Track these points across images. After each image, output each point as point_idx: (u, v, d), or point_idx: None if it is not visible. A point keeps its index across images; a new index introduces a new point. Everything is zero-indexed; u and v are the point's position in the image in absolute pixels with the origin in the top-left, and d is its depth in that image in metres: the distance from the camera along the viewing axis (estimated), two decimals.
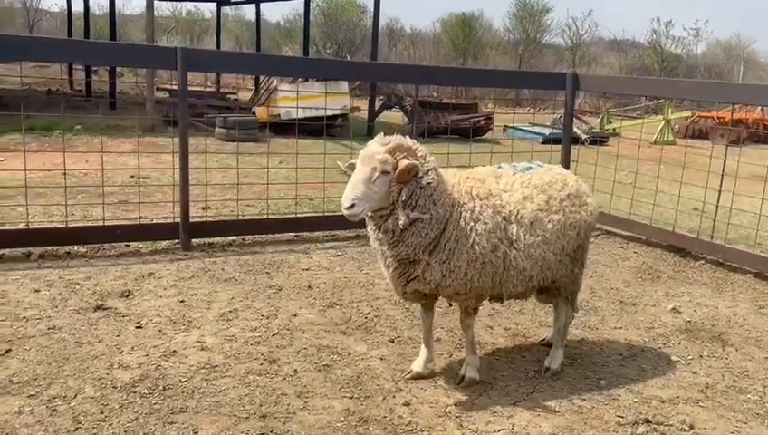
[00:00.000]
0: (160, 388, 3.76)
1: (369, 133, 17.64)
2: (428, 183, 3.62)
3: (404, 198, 3.56)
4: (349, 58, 27.64)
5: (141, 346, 4.27)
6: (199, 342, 4.39)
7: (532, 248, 3.91)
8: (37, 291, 5.07)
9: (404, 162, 3.56)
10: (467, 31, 42.13)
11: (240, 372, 4.03)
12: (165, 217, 6.69)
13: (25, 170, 6.15)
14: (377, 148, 3.60)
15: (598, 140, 17.42)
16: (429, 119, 18.43)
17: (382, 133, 3.75)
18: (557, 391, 4.07)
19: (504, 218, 3.89)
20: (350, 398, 3.81)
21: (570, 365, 4.41)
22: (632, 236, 7.78)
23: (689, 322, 5.33)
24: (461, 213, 3.75)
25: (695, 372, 4.44)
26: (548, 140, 16.93)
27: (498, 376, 4.21)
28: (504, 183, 4.05)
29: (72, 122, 13.36)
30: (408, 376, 4.09)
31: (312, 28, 31.37)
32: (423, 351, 4.16)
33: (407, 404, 3.78)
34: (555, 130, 16.65)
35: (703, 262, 6.97)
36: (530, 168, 4.23)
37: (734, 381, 4.36)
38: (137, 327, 4.55)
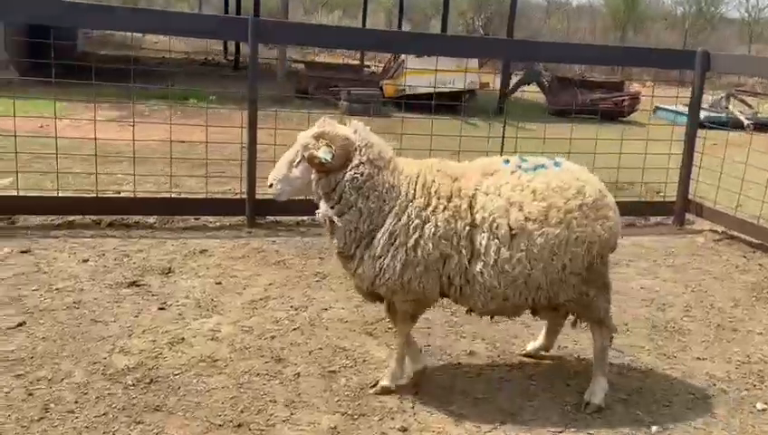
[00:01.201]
0: (147, 380, 3.55)
1: (501, 111, 16.88)
2: (355, 176, 3.30)
3: (320, 189, 3.35)
4: (481, 32, 26.44)
5: (153, 330, 4.10)
6: (213, 330, 4.16)
7: (507, 264, 3.32)
8: (85, 261, 5.07)
9: (310, 152, 3.27)
10: (630, 2, 39.22)
11: (239, 369, 3.73)
12: (235, 193, 6.56)
13: (134, 140, 6.13)
14: (308, 131, 3.37)
15: (765, 125, 15.53)
16: (566, 96, 17.29)
17: (324, 117, 3.46)
18: (592, 433, 3.41)
19: (471, 225, 3.34)
20: (343, 414, 3.40)
21: (620, 401, 3.71)
22: (762, 244, 6.64)
23: None
24: (406, 209, 3.32)
25: None
26: (702, 125, 15.23)
27: (526, 405, 3.61)
28: (489, 183, 3.42)
29: (205, 93, 13.69)
30: (372, 390, 3.62)
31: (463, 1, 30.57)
32: (393, 362, 3.67)
33: (403, 430, 3.31)
34: (712, 114, 14.91)
35: None
36: (542, 166, 3.52)
37: None
38: (159, 308, 4.40)
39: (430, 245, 3.30)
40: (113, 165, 7.34)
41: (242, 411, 3.36)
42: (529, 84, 18.90)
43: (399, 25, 25.69)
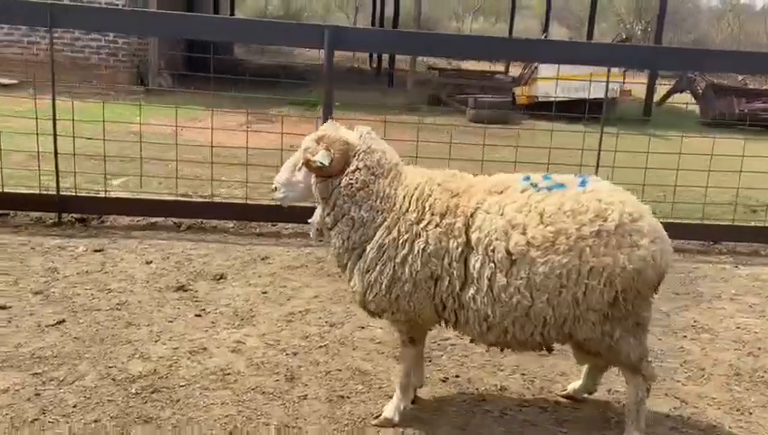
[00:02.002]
0: (151, 389, 3.51)
1: (648, 117, 15.74)
2: (350, 183, 3.12)
3: (317, 194, 3.21)
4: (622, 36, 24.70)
5: (180, 337, 4.08)
6: (238, 342, 4.07)
7: (503, 293, 2.95)
8: (148, 263, 5.21)
9: (307, 155, 3.11)
10: None
11: (246, 386, 3.60)
12: None
13: (247, 147, 6.22)
14: (312, 135, 3.21)
15: None
16: (721, 105, 15.82)
17: (333, 120, 3.35)
18: None
19: (465, 246, 3.00)
20: None
21: None
22: None
23: None
24: (398, 222, 3.07)
25: None
26: None
27: None
28: (493, 201, 3.05)
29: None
30: (374, 421, 3.34)
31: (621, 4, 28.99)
32: (397, 391, 3.39)
33: None
34: None
35: None
36: (560, 185, 3.07)
37: None
38: (195, 315, 4.39)
39: (419, 262, 3.04)
40: (226, 169, 7.21)
41: (230, 433, 3.22)
42: (682, 92, 17.56)
43: (546, 29, 24.83)
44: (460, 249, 3.01)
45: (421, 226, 3.06)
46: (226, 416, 3.34)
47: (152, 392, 3.49)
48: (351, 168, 3.13)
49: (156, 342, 4.01)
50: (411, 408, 3.42)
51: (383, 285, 3.09)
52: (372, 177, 3.14)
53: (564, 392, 3.68)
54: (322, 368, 3.84)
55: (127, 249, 5.45)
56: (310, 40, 6.07)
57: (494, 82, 19.18)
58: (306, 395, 3.56)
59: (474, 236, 3.00)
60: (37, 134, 5.93)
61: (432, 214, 3.07)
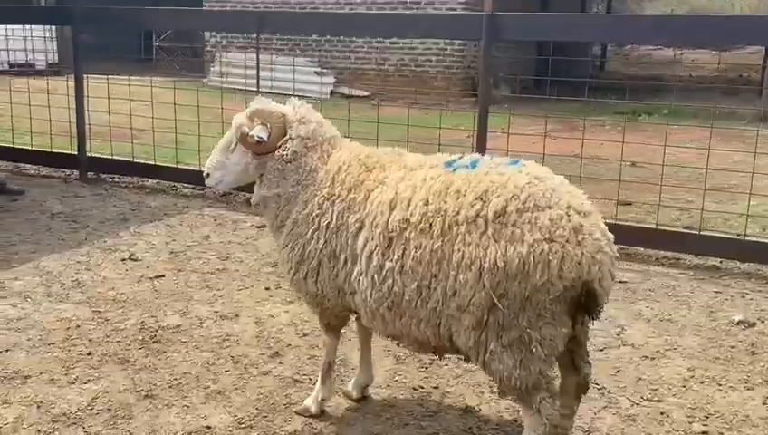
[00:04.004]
0: (153, 340, 3.92)
1: None
2: (282, 154, 3.01)
3: (254, 173, 3.12)
4: None
5: (229, 304, 4.41)
6: (270, 316, 4.24)
7: (377, 275, 2.63)
8: None
9: (242, 130, 3.00)
10: None
11: (235, 353, 3.78)
12: None
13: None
14: (242, 113, 3.08)
15: None
16: None
17: (258, 97, 3.19)
18: None
19: (359, 222, 2.76)
20: (239, 417, 3.16)
21: None
22: None
23: None
24: (314, 198, 2.91)
25: None
26: None
27: None
28: (399, 176, 2.74)
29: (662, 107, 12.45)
30: (296, 408, 3.23)
31: None
32: (318, 382, 3.21)
33: None
34: None
35: None
36: (475, 163, 2.63)
37: None
38: (265, 289, 4.68)
39: (322, 239, 2.88)
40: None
41: (178, 378, 3.44)
42: None
43: None
44: (357, 225, 2.79)
45: (330, 201, 2.90)
46: (186, 368, 3.57)
47: (153, 343, 3.89)
48: (285, 138, 3.04)
49: (208, 303, 4.42)
50: (358, 406, 3.26)
51: (293, 263, 2.99)
52: (304, 149, 3.02)
53: None
54: (305, 352, 3.80)
55: None
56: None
57: None
58: (267, 371, 3.59)
59: (366, 211, 2.76)
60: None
61: (341, 189, 2.89)
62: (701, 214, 5.49)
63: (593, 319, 2.58)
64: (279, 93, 6.70)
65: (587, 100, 5.60)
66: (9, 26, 10.99)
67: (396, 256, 2.60)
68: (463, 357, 2.71)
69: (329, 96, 16.26)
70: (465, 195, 2.50)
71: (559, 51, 6.09)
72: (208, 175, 3.22)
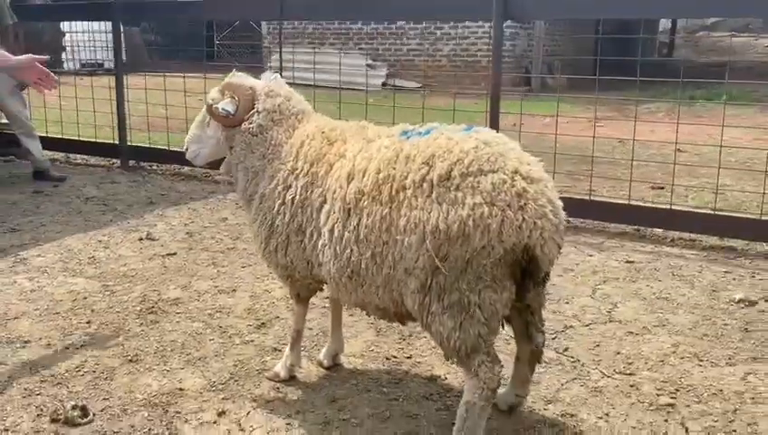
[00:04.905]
0: (150, 311, 4.11)
1: None
2: (248, 127, 3.08)
3: (225, 145, 3.21)
4: None
5: (230, 280, 4.57)
6: (265, 291, 4.37)
7: (338, 245, 2.70)
8: None
9: (209, 103, 3.10)
10: None
11: (225, 323, 3.92)
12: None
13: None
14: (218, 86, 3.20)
15: None
16: None
17: (234, 71, 3.23)
18: None
19: (322, 196, 2.83)
20: (210, 379, 3.29)
21: None
22: None
23: None
24: (279, 172, 2.98)
25: None
26: None
27: None
28: (357, 148, 2.79)
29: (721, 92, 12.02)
30: (267, 374, 3.34)
31: None
32: (287, 348, 3.32)
33: (220, 414, 3.02)
34: None
35: None
36: (427, 131, 2.68)
37: None
38: None
39: (288, 214, 2.95)
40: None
41: (164, 346, 3.60)
42: None
43: None
44: (320, 200, 2.86)
45: (293, 175, 2.97)
46: (175, 332, 3.73)
47: (149, 313, 4.07)
48: (252, 111, 3.11)
49: (210, 279, 4.58)
50: (327, 374, 3.35)
51: (263, 237, 3.08)
52: (270, 122, 3.08)
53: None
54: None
55: None
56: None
57: None
58: (250, 341, 3.71)
59: (327, 184, 2.83)
60: None
61: (304, 162, 2.95)
62: (716, 194, 5.31)
63: (537, 286, 2.57)
64: (328, 87, 6.88)
65: (641, 80, 5.45)
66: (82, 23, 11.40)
67: (352, 226, 2.65)
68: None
69: (380, 88, 16.34)
70: (413, 160, 2.54)
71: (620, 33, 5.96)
72: (187, 149, 3.36)
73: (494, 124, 5.62)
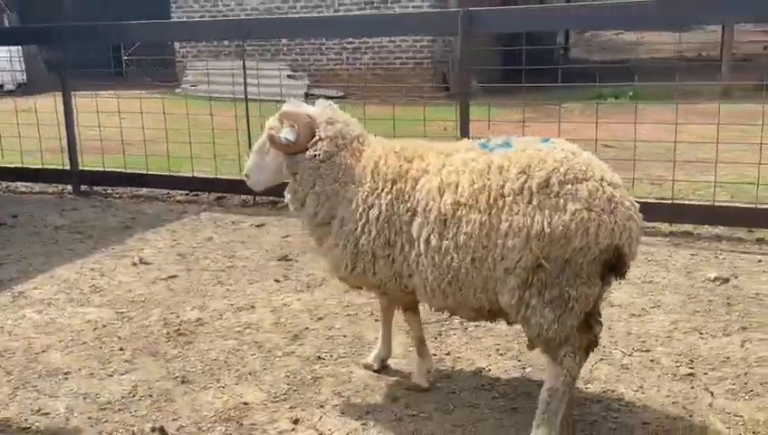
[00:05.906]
0: (178, 332, 4.20)
1: None
2: (315, 155, 3.17)
3: (287, 172, 3.30)
4: None
5: (243, 297, 4.70)
6: (284, 305, 4.54)
7: (436, 254, 2.89)
8: None
9: (270, 133, 3.22)
10: None
11: (255, 339, 4.06)
12: None
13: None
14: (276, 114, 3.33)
15: None
16: None
17: (290, 98, 3.43)
18: None
19: (410, 210, 3.00)
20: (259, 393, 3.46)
21: None
22: None
23: None
24: (357, 194, 3.13)
25: None
26: None
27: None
28: (438, 162, 3.01)
29: (627, 89, 12.92)
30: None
31: None
32: (417, 356, 3.51)
33: (295, 421, 3.20)
34: None
35: None
36: (506, 144, 2.93)
37: None
38: (275, 281, 4.97)
39: (374, 230, 3.10)
40: None
41: (209, 364, 3.72)
42: None
43: None
44: (409, 214, 3.04)
45: (375, 195, 3.11)
46: (208, 354, 3.85)
47: (179, 335, 4.16)
48: (315, 138, 3.24)
49: (223, 298, 4.70)
50: (379, 376, 3.58)
51: (348, 260, 3.19)
52: (335, 148, 3.22)
53: None
54: (323, 333, 4.10)
55: None
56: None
57: None
58: (291, 351, 3.88)
59: (416, 198, 3.02)
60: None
61: (385, 181, 3.12)
62: (672, 185, 5.90)
63: (620, 278, 2.88)
64: (256, 99, 7.02)
65: (555, 86, 5.98)
66: None
67: (450, 235, 2.87)
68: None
69: (304, 98, 16.47)
70: (508, 170, 2.79)
71: (526, 42, 6.41)
72: (247, 176, 3.46)
73: (465, 132, 5.99)
